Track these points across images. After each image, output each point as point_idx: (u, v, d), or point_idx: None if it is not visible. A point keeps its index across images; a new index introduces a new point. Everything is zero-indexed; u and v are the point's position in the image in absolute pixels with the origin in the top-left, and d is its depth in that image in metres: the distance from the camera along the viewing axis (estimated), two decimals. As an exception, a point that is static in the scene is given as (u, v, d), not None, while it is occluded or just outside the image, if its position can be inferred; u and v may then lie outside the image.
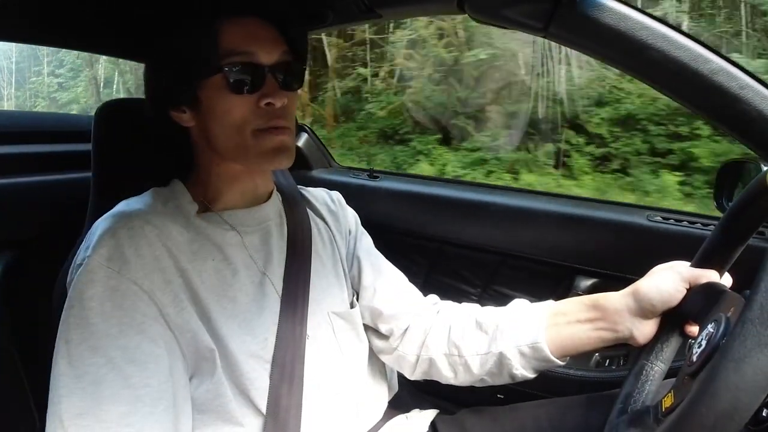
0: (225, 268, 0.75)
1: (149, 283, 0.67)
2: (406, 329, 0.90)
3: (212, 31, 0.71)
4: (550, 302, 0.82)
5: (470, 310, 0.89)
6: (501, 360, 0.80)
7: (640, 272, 0.78)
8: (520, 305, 0.85)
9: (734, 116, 0.73)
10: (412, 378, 0.93)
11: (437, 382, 0.90)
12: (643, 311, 0.73)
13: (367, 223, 1.02)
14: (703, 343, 0.57)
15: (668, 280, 0.73)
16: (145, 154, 0.87)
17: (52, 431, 0.60)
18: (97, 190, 0.89)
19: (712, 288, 0.69)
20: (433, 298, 0.96)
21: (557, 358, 0.79)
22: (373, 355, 0.94)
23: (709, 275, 0.71)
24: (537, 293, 1.28)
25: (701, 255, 0.74)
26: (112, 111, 0.90)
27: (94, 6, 0.93)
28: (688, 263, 0.75)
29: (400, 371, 0.95)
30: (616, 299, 0.76)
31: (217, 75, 0.71)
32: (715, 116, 0.76)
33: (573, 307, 0.80)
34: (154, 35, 0.78)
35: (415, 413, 0.94)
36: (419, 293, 0.96)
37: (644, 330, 0.74)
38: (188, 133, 0.79)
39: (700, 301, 0.69)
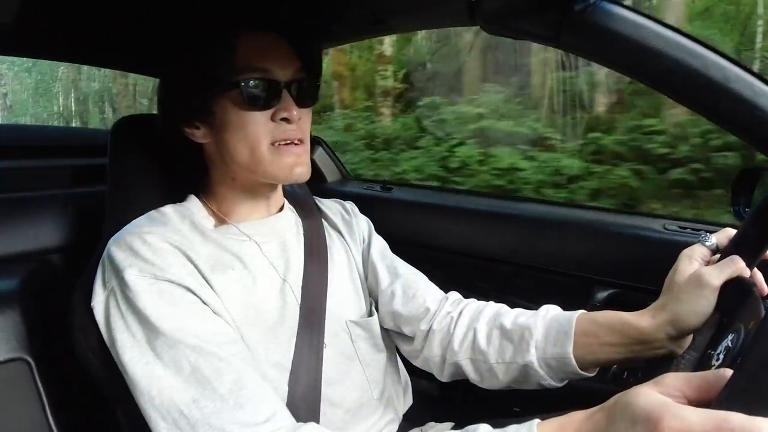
0: (245, 277, 0.76)
1: (186, 282, 0.69)
2: (429, 330, 0.88)
3: (229, 47, 0.72)
4: (580, 314, 0.79)
5: (496, 313, 0.85)
6: (527, 370, 0.78)
7: (658, 282, 0.76)
8: (549, 312, 0.82)
9: (750, 124, 0.72)
10: (442, 379, 0.90)
11: (453, 395, 0.89)
12: (683, 333, 0.70)
13: (381, 235, 1.01)
14: (722, 356, 0.56)
15: (703, 300, 0.68)
16: (160, 169, 0.88)
17: (172, 424, 0.61)
18: (112, 203, 0.90)
19: (740, 285, 0.67)
20: (455, 295, 0.93)
21: (585, 371, 0.76)
22: (390, 365, 0.93)
23: (734, 264, 0.68)
24: (554, 304, 1.27)
25: (730, 248, 0.72)
26: (128, 126, 0.91)
27: (110, 22, 0.95)
28: (711, 268, 0.70)
29: (430, 372, 0.92)
30: (652, 328, 0.71)
31: (234, 90, 0.72)
32: (731, 124, 0.75)
33: (604, 330, 0.75)
34: (169, 50, 0.79)
35: (431, 426, 0.94)
36: (440, 292, 0.93)
37: (682, 344, 0.71)
38: (201, 149, 0.80)
39: (728, 296, 0.67)
